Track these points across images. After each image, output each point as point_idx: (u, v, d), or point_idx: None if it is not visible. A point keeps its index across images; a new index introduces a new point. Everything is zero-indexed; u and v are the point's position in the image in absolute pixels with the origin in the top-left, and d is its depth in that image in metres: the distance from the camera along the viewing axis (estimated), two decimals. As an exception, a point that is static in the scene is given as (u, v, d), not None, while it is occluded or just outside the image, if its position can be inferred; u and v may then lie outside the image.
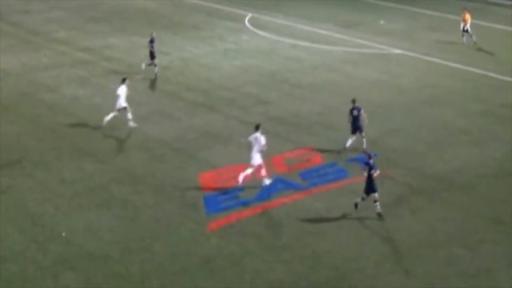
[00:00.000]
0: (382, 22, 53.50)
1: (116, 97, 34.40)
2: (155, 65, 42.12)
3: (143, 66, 42.19)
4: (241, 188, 28.76)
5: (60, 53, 46.17)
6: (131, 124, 34.32)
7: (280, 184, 29.29)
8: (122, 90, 34.58)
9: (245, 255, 24.26)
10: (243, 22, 53.22)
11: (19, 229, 25.61)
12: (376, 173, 26.31)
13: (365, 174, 26.39)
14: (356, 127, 32.19)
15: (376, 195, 26.35)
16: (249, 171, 28.84)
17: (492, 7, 57.91)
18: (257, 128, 29.11)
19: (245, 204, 27.72)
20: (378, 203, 26.36)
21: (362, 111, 32.11)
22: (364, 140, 32.17)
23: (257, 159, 28.83)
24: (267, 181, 28.91)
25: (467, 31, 48.96)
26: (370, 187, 26.33)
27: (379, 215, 26.37)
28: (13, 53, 46.07)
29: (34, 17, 54.78)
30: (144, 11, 56.82)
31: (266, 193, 28.49)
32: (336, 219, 26.66)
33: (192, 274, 23.19)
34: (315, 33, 50.58)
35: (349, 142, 32.17)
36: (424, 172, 30.29)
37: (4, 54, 45.79)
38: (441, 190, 28.86)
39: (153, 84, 41.87)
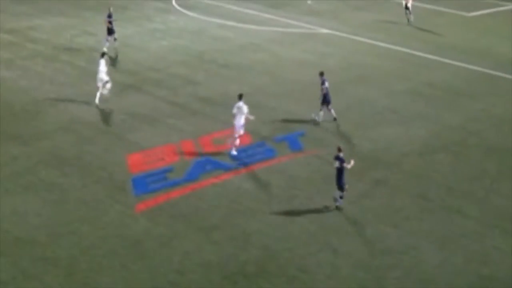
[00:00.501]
0: (309, 2, 53.66)
1: (97, 72, 34.82)
2: (114, 39, 42.50)
3: (105, 43, 42.40)
4: (170, 169, 28.64)
5: (-17, 34, 45.38)
6: (106, 93, 35.01)
7: (209, 164, 29.22)
8: (102, 65, 35.02)
9: (174, 236, 24.16)
10: (171, 3, 52.85)
11: None
12: (349, 165, 25.78)
13: (336, 166, 25.87)
14: (327, 100, 33.09)
15: (343, 193, 25.92)
16: (236, 140, 30.02)
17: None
18: (240, 97, 30.24)
19: (173, 185, 27.58)
20: (342, 200, 25.99)
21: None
22: (333, 111, 33.14)
23: (240, 127, 29.96)
24: (235, 153, 29.79)
25: (408, 8, 49.48)
26: (340, 182, 25.84)
27: (338, 208, 25.99)
28: None
29: (-44, -3, 53.70)
30: (70, -9, 56.13)
31: (194, 173, 28.40)
32: (265, 198, 26.71)
33: (121, 257, 23.01)
34: (243, 13, 50.51)
35: (321, 115, 33.05)
36: (351, 151, 30.44)
37: None
38: (368, 169, 29.10)
39: (114, 61, 41.88)
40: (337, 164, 25.73)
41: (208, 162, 29.42)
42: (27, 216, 25.18)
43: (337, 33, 46.71)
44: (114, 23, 42.70)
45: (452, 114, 34.38)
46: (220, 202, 26.43)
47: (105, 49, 40.84)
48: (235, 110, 30.13)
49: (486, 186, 27.63)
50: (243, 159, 29.71)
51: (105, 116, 33.43)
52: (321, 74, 33.51)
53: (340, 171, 25.76)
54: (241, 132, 30.06)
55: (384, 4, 53.72)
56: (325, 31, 47.12)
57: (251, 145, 31.00)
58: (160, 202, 26.35)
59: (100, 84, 34.75)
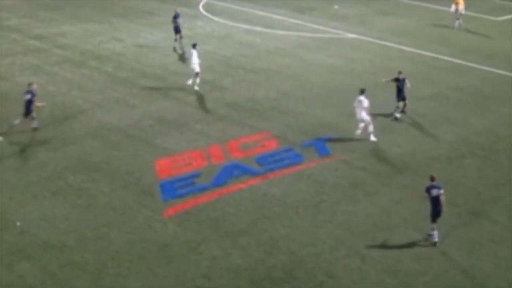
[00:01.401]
0: (336, 7, 53.56)
1: (189, 63, 37.35)
2: (181, 38, 43.94)
3: (175, 46, 44.30)
4: (197, 174, 28.65)
5: (12, 41, 45.51)
6: (196, 88, 37.33)
7: (236, 169, 29.19)
8: (195, 56, 36.97)
9: (202, 241, 24.16)
10: (197, 8, 52.97)
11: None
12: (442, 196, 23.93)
13: (427, 196, 24.14)
14: (402, 96, 34.23)
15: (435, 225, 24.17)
16: (370, 128, 31.79)
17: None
18: (362, 91, 32.02)
19: (201, 190, 27.57)
20: (436, 232, 24.15)
21: (407, 81, 34.23)
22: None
23: (365, 116, 31.70)
24: (373, 138, 31.71)
25: (457, 12, 49.30)
26: (435, 213, 24.04)
27: (435, 244, 24.02)
28: (-36, 41, 45.49)
29: (-15, 4, 54.08)
30: (98, -2, 56.40)
31: (222, 179, 28.38)
32: (292, 204, 26.64)
33: (149, 261, 23.04)
34: (269, 18, 50.50)
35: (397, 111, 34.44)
36: (379, 156, 30.40)
37: (-45, 42, 45.22)
38: (396, 173, 29.02)
39: (182, 57, 43.23)
40: (435, 193, 23.92)
41: (236, 167, 29.38)
42: (55, 221, 25.27)
43: (364, 37, 46.60)
44: (180, 23, 44.31)
45: (480, 118, 34.18)
46: (247, 207, 26.40)
47: (182, 47, 43.58)
48: (356, 104, 31.84)
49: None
50: (270, 165, 29.64)
51: (133, 121, 33.45)
52: (399, 72, 34.55)
53: (436, 201, 23.92)
54: (367, 119, 31.82)
55: (409, 8, 53.51)
56: (351, 35, 47.02)
57: (278, 150, 30.91)
58: (188, 207, 26.35)
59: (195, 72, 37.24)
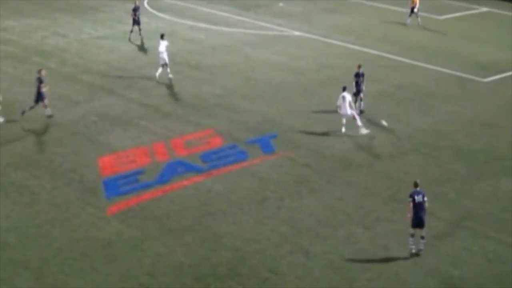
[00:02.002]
0: (281, 4, 53.63)
1: (157, 54, 37.71)
2: (139, 30, 44.83)
3: (131, 35, 44.96)
4: (141, 171, 28.54)
5: (-48, 36, 44.98)
6: (170, 76, 38.09)
7: (181, 166, 29.13)
8: (163, 46, 38.04)
9: (146, 239, 24.08)
10: (142, 4, 52.59)
11: None
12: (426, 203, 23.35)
13: (410, 205, 23.33)
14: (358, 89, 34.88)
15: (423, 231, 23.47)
16: (359, 122, 32.12)
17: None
18: (344, 88, 32.32)
19: (145, 187, 27.47)
20: (423, 241, 23.45)
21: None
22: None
23: (350, 111, 32.11)
24: (364, 131, 32.16)
25: (414, 12, 49.63)
26: (418, 220, 23.29)
27: (419, 252, 23.40)
28: None
29: None
30: (41, -8, 55.81)
31: (166, 176, 28.31)
32: (237, 200, 26.66)
33: (92, 259, 22.89)
34: (214, 15, 50.44)
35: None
36: (323, 153, 30.53)
37: None
38: (339, 170, 29.16)
39: (141, 47, 43.82)
40: (418, 199, 23.26)
41: (180, 164, 29.31)
42: (-2, 217, 25.03)
43: (308, 35, 46.76)
44: (138, 16, 45.03)
45: (423, 116, 34.50)
46: (191, 204, 26.36)
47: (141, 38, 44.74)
48: (339, 101, 32.18)
49: (457, 188, 27.75)
50: (215, 161, 29.62)
51: (76, 118, 33.18)
52: (359, 66, 35.11)
53: (418, 208, 23.26)
54: (353, 112, 32.38)
55: (354, 7, 53.83)
56: (296, 33, 47.16)
57: (223, 147, 30.90)
58: (132, 204, 26.24)
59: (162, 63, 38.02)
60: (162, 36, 38.45)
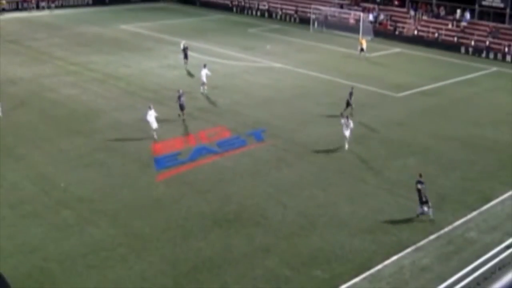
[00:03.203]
0: (268, 46, 53.35)
1: (200, 76, 38.15)
2: (186, 63, 44.66)
3: (185, 65, 44.61)
4: (179, 153, 28.52)
5: (58, 66, 44.61)
6: (203, 91, 37.81)
7: (204, 150, 29.10)
8: (204, 71, 37.81)
9: (181, 196, 24.13)
10: (180, 46, 52.27)
11: (32, 182, 24.86)
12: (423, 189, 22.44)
13: (418, 188, 22.51)
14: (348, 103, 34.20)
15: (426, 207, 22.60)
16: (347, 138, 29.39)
17: (336, 37, 58.49)
18: (341, 115, 30.84)
19: (181, 163, 27.48)
20: (430, 210, 22.53)
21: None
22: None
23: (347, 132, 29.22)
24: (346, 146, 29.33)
25: (362, 50, 49.70)
26: (420, 199, 22.51)
27: (430, 219, 22.43)
28: (26, 66, 44.36)
29: (40, 42, 52.69)
30: (114, 39, 55.32)
31: (195, 156, 28.27)
32: (240, 172, 26.70)
33: (148, 209, 23.01)
34: (225, 53, 50.23)
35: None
36: (295, 141, 30.54)
37: (20, 66, 44.11)
38: (306, 153, 29.17)
39: (182, 74, 43.33)
40: (419, 186, 22.51)
41: (203, 148, 29.27)
42: (87, 183, 25.05)
43: (287, 66, 46.57)
44: (188, 52, 45.09)
45: (359, 117, 34.34)
46: (211, 174, 26.38)
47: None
48: (342, 121, 29.62)
49: (380, 164, 27.82)
50: (226, 147, 29.60)
51: (137, 119, 33.02)
52: (352, 88, 35.07)
53: (420, 192, 22.48)
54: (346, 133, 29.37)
55: (314, 48, 53.63)
56: (278, 65, 46.97)
57: (230, 138, 30.84)
58: (173, 174, 26.28)
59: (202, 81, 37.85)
60: (204, 65, 38.47)
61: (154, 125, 29.96)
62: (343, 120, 29.59)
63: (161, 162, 27.47)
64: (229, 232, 21.46)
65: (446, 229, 21.78)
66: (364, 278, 18.84)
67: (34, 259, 19.43)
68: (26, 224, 21.59)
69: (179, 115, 32.93)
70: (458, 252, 20.42)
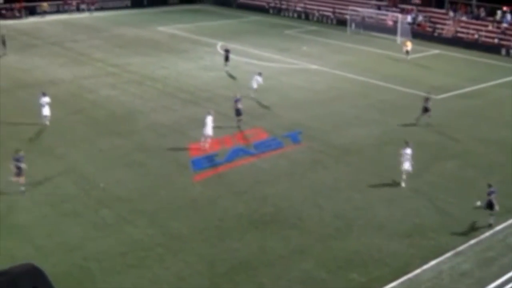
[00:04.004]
0: (304, 48, 53.27)
1: (253, 81, 37.29)
2: (227, 65, 44.32)
3: (225, 68, 44.26)
4: (216, 154, 28.60)
5: (97, 68, 45.28)
6: (252, 95, 36.94)
7: (241, 151, 29.16)
8: (256, 78, 37.28)
9: (218, 197, 24.20)
10: (216, 48, 52.66)
11: (73, 182, 25.23)
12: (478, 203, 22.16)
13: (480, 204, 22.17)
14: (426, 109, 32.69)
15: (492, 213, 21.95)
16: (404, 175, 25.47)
17: (373, 38, 57.99)
18: (407, 143, 25.76)
19: (218, 164, 27.57)
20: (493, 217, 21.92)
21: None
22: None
23: (408, 165, 25.27)
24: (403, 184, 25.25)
25: (408, 52, 48.96)
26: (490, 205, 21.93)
27: (490, 225, 21.87)
28: (66, 67, 45.13)
29: (80, 44, 53.57)
30: (152, 40, 55.87)
31: (232, 157, 28.34)
32: (276, 174, 26.66)
33: (185, 209, 23.15)
34: (261, 55, 50.26)
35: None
36: (331, 143, 30.38)
37: (61, 68, 44.89)
38: (342, 155, 28.99)
39: (232, 77, 43.20)
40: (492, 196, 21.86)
41: (240, 150, 29.32)
42: (125, 183, 25.33)
43: (322, 68, 46.36)
44: (229, 54, 44.59)
45: (395, 119, 34.09)
46: (247, 176, 26.42)
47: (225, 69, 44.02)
48: (402, 151, 25.53)
49: (419, 167, 27.27)
50: (262, 148, 29.61)
51: (174, 120, 33.39)
52: (428, 92, 33.78)
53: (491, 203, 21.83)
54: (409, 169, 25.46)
55: (351, 50, 53.25)
56: (314, 67, 46.80)
57: (267, 139, 30.83)
58: (209, 175, 26.38)
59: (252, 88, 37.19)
60: (259, 73, 37.80)
61: (209, 131, 28.85)
62: (408, 150, 25.36)
63: (198, 163, 27.59)
64: (265, 233, 21.43)
65: (486, 234, 21.36)
66: (402, 283, 18.61)
67: (74, 257, 19.73)
68: (66, 223, 21.96)
69: (238, 120, 32.13)
70: (499, 258, 20.01)
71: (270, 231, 21.58)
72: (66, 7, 70.38)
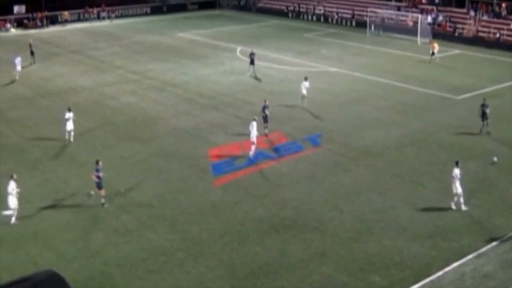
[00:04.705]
0: (324, 51, 53.18)
1: (301, 88, 36.15)
2: (253, 68, 44.18)
3: (249, 73, 44.31)
4: (236, 158, 28.64)
5: (118, 74, 45.70)
6: (302, 104, 35.96)
7: (261, 155, 29.12)
8: (304, 84, 36.05)
9: (238, 201, 24.21)
10: (236, 53, 52.82)
11: (94, 188, 25.37)
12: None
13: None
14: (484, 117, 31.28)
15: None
16: (461, 199, 23.26)
17: (393, 40, 57.67)
18: (457, 163, 23.51)
19: (238, 168, 27.60)
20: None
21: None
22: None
23: (459, 189, 23.14)
24: (464, 208, 23.15)
25: (433, 53, 48.31)
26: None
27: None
28: (88, 75, 45.61)
29: (101, 51, 54.14)
30: (171, 46, 56.28)
31: (252, 161, 28.36)
32: (296, 177, 26.61)
33: (205, 215, 23.16)
34: (280, 58, 50.28)
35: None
36: (351, 145, 30.25)
37: (82, 75, 45.37)
38: (362, 157, 28.85)
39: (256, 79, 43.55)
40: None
41: (261, 154, 29.27)
42: (145, 188, 25.47)
43: (342, 70, 46.25)
44: (255, 58, 44.56)
45: (416, 121, 33.89)
46: (268, 179, 26.40)
47: (252, 74, 44.09)
48: (454, 174, 23.39)
49: (440, 168, 27.13)
50: (282, 152, 29.58)
51: (195, 125, 33.55)
52: (484, 99, 31.96)
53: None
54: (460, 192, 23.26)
55: (371, 52, 53.00)
56: (333, 69, 46.69)
57: (287, 143, 30.82)
58: (230, 179, 26.40)
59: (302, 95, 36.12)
60: (305, 78, 36.68)
61: (254, 137, 28.54)
62: (457, 171, 23.36)
63: (218, 168, 27.65)
64: (285, 237, 21.38)
65: (509, 235, 21.04)
66: (424, 285, 18.42)
67: (96, 263, 19.89)
68: (88, 228, 22.14)
69: (265, 127, 31.46)
70: (522, 259, 19.71)
71: (290, 235, 21.52)
72: (86, 15, 71.20)
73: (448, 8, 61.34)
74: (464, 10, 59.88)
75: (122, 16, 73.27)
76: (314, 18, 70.14)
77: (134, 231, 21.90)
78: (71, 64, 49.08)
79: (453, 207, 23.12)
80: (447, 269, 19.17)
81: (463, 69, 46.55)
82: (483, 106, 31.66)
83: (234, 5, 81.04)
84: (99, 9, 72.05)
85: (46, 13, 67.96)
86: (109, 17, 71.99)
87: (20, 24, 66.29)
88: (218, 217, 22.87)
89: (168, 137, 31.81)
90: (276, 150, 29.75)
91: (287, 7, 73.82)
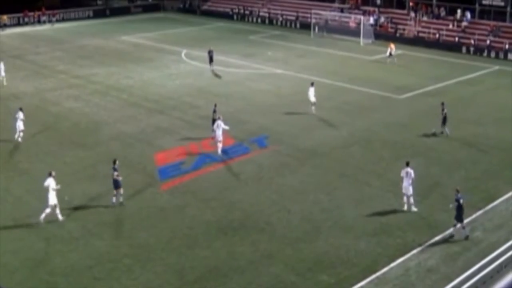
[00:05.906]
0: (269, 53, 53.48)
1: (309, 94, 35.37)
2: (212, 66, 45.72)
3: (211, 69, 45.51)
4: (182, 162, 28.53)
5: (60, 79, 44.77)
6: (313, 111, 35.22)
7: (208, 158, 29.12)
8: (311, 90, 35.22)
9: (186, 205, 24.13)
10: (181, 55, 52.58)
11: (37, 197, 24.66)
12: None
13: (453, 206, 21.24)
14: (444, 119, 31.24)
15: (460, 224, 21.19)
16: (411, 199, 23.33)
17: (337, 41, 58.52)
18: (407, 164, 23.65)
19: (185, 172, 27.49)
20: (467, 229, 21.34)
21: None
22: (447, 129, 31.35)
23: (410, 190, 23.16)
24: (414, 209, 23.28)
25: (391, 55, 49.06)
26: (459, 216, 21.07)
27: (466, 238, 21.11)
28: (29, 80, 44.52)
29: (42, 56, 52.92)
30: (115, 50, 55.53)
31: (198, 164, 28.30)
32: (244, 179, 26.71)
33: (152, 219, 23.00)
34: (227, 61, 50.31)
35: (446, 131, 31.36)
36: (298, 146, 30.55)
37: (22, 81, 44.27)
38: (309, 157, 29.18)
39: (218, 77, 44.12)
40: (461, 202, 21.04)
41: (207, 156, 29.28)
42: (91, 195, 25.05)
43: (287, 72, 46.64)
44: (213, 55, 45.94)
45: (361, 121, 34.51)
46: (215, 182, 26.39)
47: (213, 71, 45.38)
48: (402, 173, 23.43)
49: (384, 167, 27.76)
50: (229, 154, 29.62)
51: (140, 129, 33.22)
52: (442, 103, 31.75)
53: (460, 207, 21.02)
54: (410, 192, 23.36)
55: (315, 53, 53.65)
56: (279, 71, 47.04)
57: (234, 145, 30.87)
58: (176, 183, 26.27)
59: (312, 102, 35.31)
60: (312, 84, 35.95)
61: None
62: (410, 170, 23.36)
63: (164, 172, 27.48)
64: (234, 239, 21.44)
65: (451, 230, 21.69)
66: (370, 281, 18.78)
67: (40, 273, 19.44)
68: (31, 238, 21.62)
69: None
70: (464, 252, 20.36)
71: (238, 237, 21.58)
72: (26, 19, 69.51)
73: (390, 10, 62.74)
74: (405, 12, 61.38)
75: (63, 20, 71.89)
76: (259, 20, 70.53)
77: (79, 238, 21.51)
78: (11, 69, 47.61)
79: (405, 208, 23.31)
80: (392, 264, 19.62)
81: (405, 69, 47.69)
82: (443, 104, 31.76)
83: (178, 8, 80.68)
84: (40, 12, 70.47)
85: (-17, 18, 66.07)
86: (50, 21, 70.49)
87: (-44, 29, 64.18)
88: (165, 222, 22.72)
89: (113, 142, 31.39)
90: (223, 152, 29.75)
91: (232, 9, 73.97)
